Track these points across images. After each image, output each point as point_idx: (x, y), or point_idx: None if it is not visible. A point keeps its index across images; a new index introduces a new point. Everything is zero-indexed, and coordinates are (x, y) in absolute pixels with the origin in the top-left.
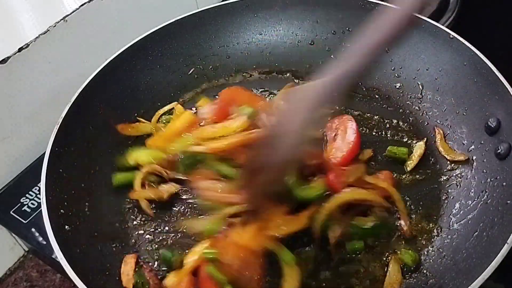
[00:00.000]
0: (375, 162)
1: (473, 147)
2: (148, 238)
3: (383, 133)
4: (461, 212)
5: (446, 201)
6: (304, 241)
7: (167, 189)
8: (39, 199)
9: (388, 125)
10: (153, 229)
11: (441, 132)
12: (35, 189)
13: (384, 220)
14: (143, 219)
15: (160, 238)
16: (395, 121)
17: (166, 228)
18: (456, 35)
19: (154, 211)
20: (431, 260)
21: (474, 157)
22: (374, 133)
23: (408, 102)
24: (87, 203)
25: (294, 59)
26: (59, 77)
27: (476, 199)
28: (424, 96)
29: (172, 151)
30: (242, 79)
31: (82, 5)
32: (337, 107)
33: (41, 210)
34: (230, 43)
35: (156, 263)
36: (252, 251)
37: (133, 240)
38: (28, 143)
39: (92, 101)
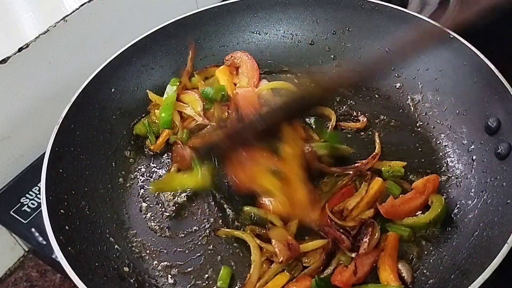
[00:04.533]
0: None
1: (473, 147)
2: (149, 236)
3: (383, 133)
4: (461, 212)
5: (446, 201)
6: None
7: None
8: (39, 199)
9: (388, 125)
10: (153, 229)
11: None
12: (35, 189)
13: None
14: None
15: (162, 236)
16: (395, 121)
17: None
18: (456, 35)
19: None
20: (431, 260)
21: (474, 157)
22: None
23: (408, 102)
24: (87, 203)
25: (294, 59)
26: (59, 77)
27: (476, 199)
28: (424, 96)
29: None
30: None
31: (82, 5)
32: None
33: (41, 210)
34: (230, 43)
35: (159, 262)
36: None
37: (133, 239)
38: (28, 143)
39: (92, 101)
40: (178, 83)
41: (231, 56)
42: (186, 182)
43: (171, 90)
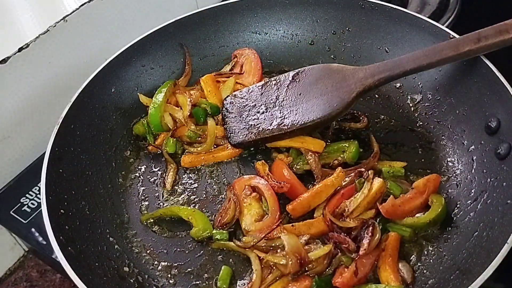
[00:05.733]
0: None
1: (473, 147)
2: (149, 236)
3: (383, 133)
4: (461, 212)
5: (446, 201)
6: None
7: None
8: (39, 199)
9: (388, 125)
10: (153, 229)
11: None
12: (35, 189)
13: None
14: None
15: (162, 236)
16: (395, 121)
17: (165, 234)
18: (456, 35)
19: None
20: (431, 260)
21: (474, 157)
22: (375, 133)
23: (408, 102)
24: (87, 203)
25: (294, 59)
26: (59, 77)
27: (476, 199)
28: (424, 96)
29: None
30: None
31: (82, 5)
32: None
33: (41, 210)
34: (230, 43)
35: (159, 262)
36: None
37: (133, 240)
38: (28, 143)
39: (92, 101)
40: (168, 85)
41: (239, 52)
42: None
43: (160, 94)
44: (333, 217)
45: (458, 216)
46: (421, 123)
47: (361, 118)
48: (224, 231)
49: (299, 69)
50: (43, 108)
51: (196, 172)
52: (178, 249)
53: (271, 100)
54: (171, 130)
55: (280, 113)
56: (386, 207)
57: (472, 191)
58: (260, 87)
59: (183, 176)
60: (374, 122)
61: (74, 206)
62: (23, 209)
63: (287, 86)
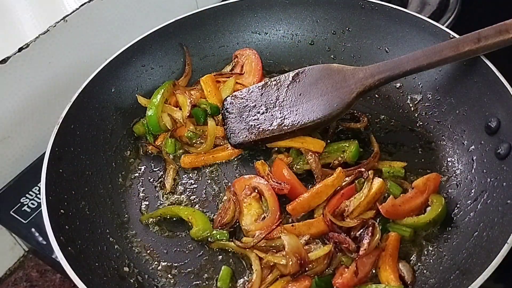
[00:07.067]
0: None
1: (473, 147)
2: (149, 236)
3: (383, 133)
4: (461, 212)
5: (446, 201)
6: None
7: None
8: (39, 199)
9: (388, 125)
10: (153, 229)
11: None
12: (35, 189)
13: None
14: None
15: (162, 236)
16: (395, 121)
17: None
18: (456, 35)
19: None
20: (431, 260)
21: (474, 157)
22: (375, 133)
23: (408, 102)
24: (87, 203)
25: (294, 59)
26: (59, 77)
27: (476, 199)
28: (424, 96)
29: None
30: None
31: (82, 5)
32: None
33: (41, 210)
34: (230, 43)
35: (159, 262)
36: None
37: (133, 240)
38: (28, 143)
39: (92, 101)
40: (166, 86)
41: (240, 53)
42: None
43: (157, 96)
44: (333, 217)
45: (458, 216)
46: (421, 123)
47: (361, 118)
48: (224, 231)
49: (299, 69)
50: (43, 108)
51: (196, 172)
52: (178, 249)
53: (271, 100)
54: (170, 131)
55: (280, 113)
56: (386, 207)
57: (472, 191)
58: (260, 88)
59: (183, 176)
60: (374, 122)
61: (74, 206)
62: (23, 209)
63: (287, 87)
